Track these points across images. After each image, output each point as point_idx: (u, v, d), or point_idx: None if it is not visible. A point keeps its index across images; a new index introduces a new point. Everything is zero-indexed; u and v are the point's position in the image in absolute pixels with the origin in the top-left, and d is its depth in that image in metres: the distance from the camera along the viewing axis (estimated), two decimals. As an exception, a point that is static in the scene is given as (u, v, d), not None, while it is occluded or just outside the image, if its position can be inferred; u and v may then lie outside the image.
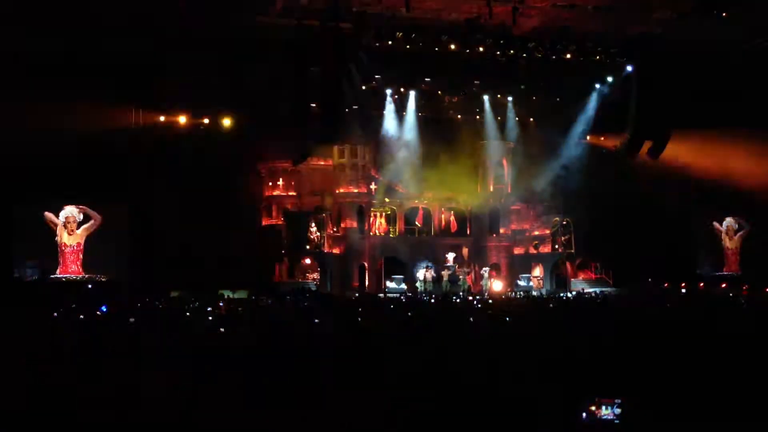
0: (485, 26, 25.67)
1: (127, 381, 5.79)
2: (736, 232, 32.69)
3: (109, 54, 21.81)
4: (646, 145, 30.87)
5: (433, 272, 30.74)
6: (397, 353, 6.62)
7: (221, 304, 18.39)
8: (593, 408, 3.09)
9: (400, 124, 31.83)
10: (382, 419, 3.40)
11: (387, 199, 32.67)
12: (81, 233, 27.83)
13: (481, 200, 33.43)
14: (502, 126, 32.95)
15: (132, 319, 11.13)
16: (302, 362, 6.09)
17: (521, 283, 31.35)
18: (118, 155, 25.41)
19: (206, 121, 28.54)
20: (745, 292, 22.40)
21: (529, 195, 33.18)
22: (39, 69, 21.81)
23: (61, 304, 15.77)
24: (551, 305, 15.76)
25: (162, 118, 27.19)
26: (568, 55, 28.11)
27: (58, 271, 27.71)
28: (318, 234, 30.62)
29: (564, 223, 33.01)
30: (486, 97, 32.31)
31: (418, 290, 29.23)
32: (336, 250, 31.21)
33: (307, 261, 31.03)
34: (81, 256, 27.93)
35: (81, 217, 27.69)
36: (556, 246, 32.89)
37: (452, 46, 27.20)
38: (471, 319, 12.38)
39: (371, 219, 32.46)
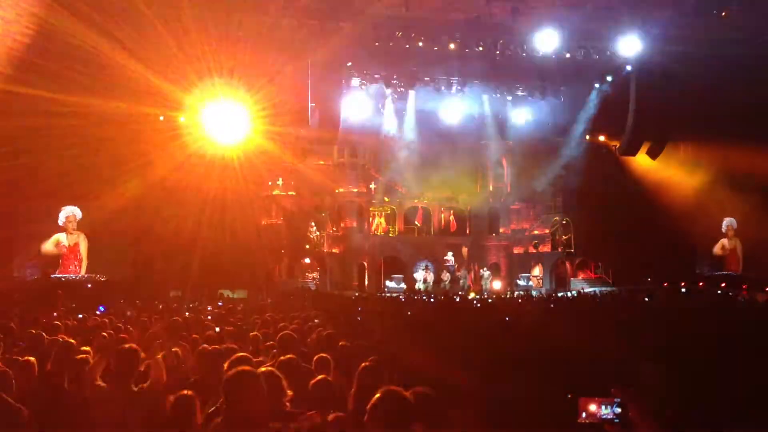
0: (485, 25, 25.65)
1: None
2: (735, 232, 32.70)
3: (110, 52, 21.78)
4: (646, 145, 30.90)
5: (432, 272, 30.78)
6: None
7: (220, 303, 18.42)
8: (592, 407, 3.09)
9: (399, 123, 31.85)
10: None
11: (387, 199, 32.70)
12: (79, 233, 27.87)
13: (481, 200, 33.47)
14: (501, 126, 32.97)
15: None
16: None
17: (521, 282, 31.38)
18: (118, 154, 25.40)
19: (206, 120, 28.53)
20: (745, 292, 22.40)
21: (530, 194, 33.21)
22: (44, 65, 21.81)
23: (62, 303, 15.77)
24: (551, 305, 15.78)
25: (161, 118, 27.17)
26: (568, 55, 28.10)
27: (58, 271, 27.72)
28: (318, 233, 30.63)
29: (563, 222, 33.04)
30: (485, 97, 32.33)
31: (420, 290, 29.26)
32: (336, 250, 31.23)
33: (307, 260, 31.05)
34: (79, 255, 27.96)
35: (80, 215, 27.70)
36: (556, 245, 32.92)
37: (452, 45, 27.19)
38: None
39: (371, 218, 32.49)
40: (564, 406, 3.26)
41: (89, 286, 26.59)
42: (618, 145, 32.13)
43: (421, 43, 27.04)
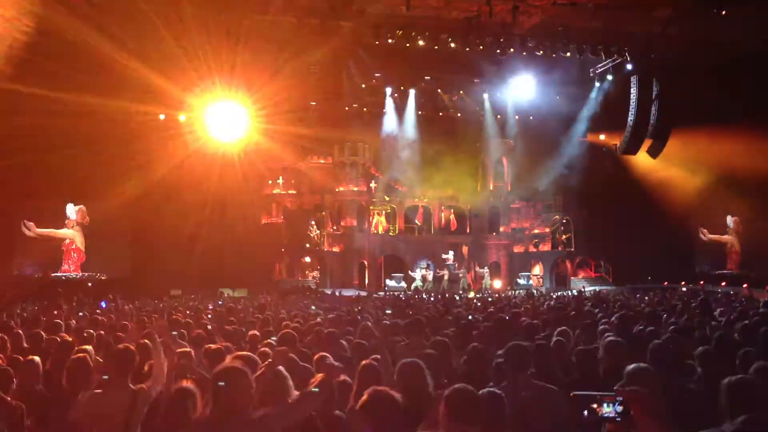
0: (485, 24, 25.61)
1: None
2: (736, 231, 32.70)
3: (110, 51, 21.76)
4: (646, 144, 30.87)
5: (432, 270, 30.79)
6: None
7: (221, 302, 18.41)
8: (595, 405, 3.08)
9: (400, 122, 31.84)
10: None
11: (387, 198, 32.70)
12: (75, 231, 27.97)
13: (481, 199, 33.47)
14: (501, 124, 32.97)
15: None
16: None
17: (521, 281, 31.38)
18: (119, 153, 25.42)
19: (206, 119, 28.53)
20: (745, 290, 22.38)
21: (530, 193, 33.21)
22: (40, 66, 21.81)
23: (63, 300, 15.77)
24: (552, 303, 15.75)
25: (162, 117, 27.17)
26: (568, 54, 28.07)
27: (59, 270, 27.82)
28: (318, 232, 30.63)
29: (564, 221, 33.04)
30: (486, 96, 32.32)
31: (420, 288, 29.25)
32: (336, 249, 31.23)
33: (307, 259, 31.06)
34: (73, 254, 28.04)
35: (75, 216, 27.85)
36: (556, 244, 32.93)
37: (452, 45, 27.15)
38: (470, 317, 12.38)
39: (371, 217, 32.49)
40: (567, 404, 3.25)
41: (90, 284, 26.62)
42: (618, 144, 32.11)
43: (421, 42, 27.02)
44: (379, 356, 4.87)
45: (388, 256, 32.01)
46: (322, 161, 32.30)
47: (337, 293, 24.40)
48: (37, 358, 5.89)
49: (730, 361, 5.03)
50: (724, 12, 23.71)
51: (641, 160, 31.78)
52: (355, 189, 31.70)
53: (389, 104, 31.69)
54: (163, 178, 25.94)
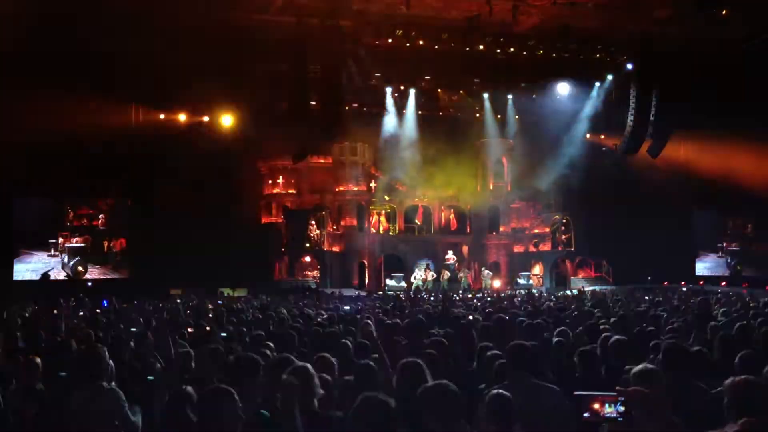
0: (485, 24, 25.61)
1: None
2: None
3: (110, 52, 21.77)
4: (646, 144, 30.86)
5: (433, 270, 30.77)
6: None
7: (220, 302, 18.39)
8: (596, 405, 3.07)
9: (400, 122, 31.83)
10: None
11: (387, 197, 32.68)
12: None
13: (481, 198, 33.45)
14: (502, 124, 32.97)
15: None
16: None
17: (521, 281, 31.37)
18: (118, 153, 25.41)
19: (206, 119, 28.55)
20: (745, 291, 22.39)
21: (530, 193, 33.19)
22: (43, 65, 21.82)
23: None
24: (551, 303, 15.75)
25: (162, 116, 27.18)
26: (568, 54, 28.08)
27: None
28: (318, 232, 30.63)
29: (564, 221, 33.03)
30: (486, 96, 32.32)
31: (420, 288, 29.23)
32: (336, 248, 31.22)
33: (307, 259, 31.06)
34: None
35: None
36: (556, 244, 32.92)
37: (452, 44, 27.16)
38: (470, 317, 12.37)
39: (371, 217, 32.47)
40: (568, 405, 3.25)
41: (89, 284, 26.63)
42: (618, 143, 32.10)
43: (421, 42, 27.02)
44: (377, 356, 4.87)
45: (388, 256, 31.99)
46: (322, 161, 32.28)
47: (336, 293, 24.41)
48: (37, 358, 5.89)
49: (731, 360, 5.02)
50: (724, 12, 23.71)
51: (641, 159, 31.77)
52: (355, 189, 31.68)
53: (389, 104, 31.66)
54: (164, 177, 25.96)
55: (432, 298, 22.38)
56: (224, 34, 23.60)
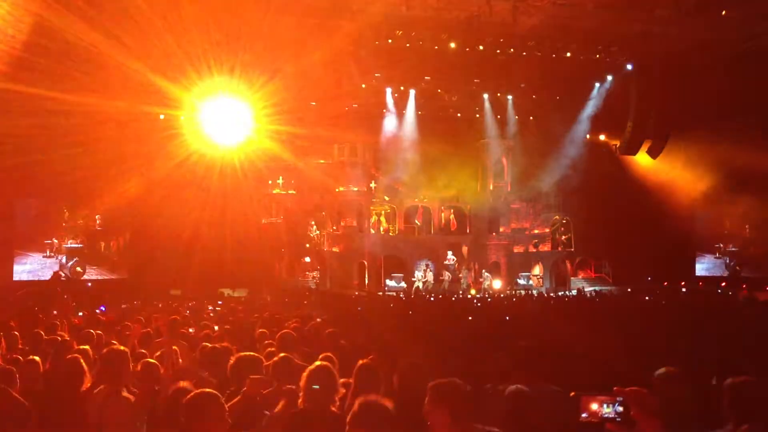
0: (485, 24, 25.60)
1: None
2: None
3: (109, 50, 21.75)
4: (646, 144, 30.88)
5: (432, 271, 30.77)
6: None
7: (220, 302, 18.41)
8: (595, 406, 3.06)
9: (399, 122, 31.83)
10: None
11: (387, 198, 32.68)
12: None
13: (481, 199, 33.45)
14: (502, 124, 32.97)
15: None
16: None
17: (521, 281, 31.37)
18: (119, 152, 25.41)
19: (206, 118, 28.52)
20: (745, 291, 22.39)
21: (530, 194, 33.19)
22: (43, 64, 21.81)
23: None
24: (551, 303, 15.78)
25: (162, 116, 27.17)
26: (568, 54, 28.08)
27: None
28: (318, 232, 30.62)
29: (564, 221, 33.03)
30: (486, 96, 32.33)
31: (419, 288, 29.24)
32: (336, 249, 31.21)
33: (307, 259, 31.05)
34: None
35: None
36: (556, 244, 32.92)
37: (452, 45, 27.16)
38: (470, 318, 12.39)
39: (371, 217, 32.46)
40: (565, 405, 3.24)
41: (89, 285, 26.65)
42: (618, 144, 32.12)
43: (421, 42, 27.02)
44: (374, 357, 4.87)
45: (388, 256, 31.97)
46: (322, 161, 32.29)
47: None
48: (37, 358, 5.89)
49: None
50: (724, 12, 23.72)
51: (641, 160, 31.81)
52: (355, 189, 31.67)
53: (389, 104, 31.67)
54: (163, 178, 25.95)
55: (432, 298, 22.41)
56: (225, 34, 23.61)
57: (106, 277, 28.17)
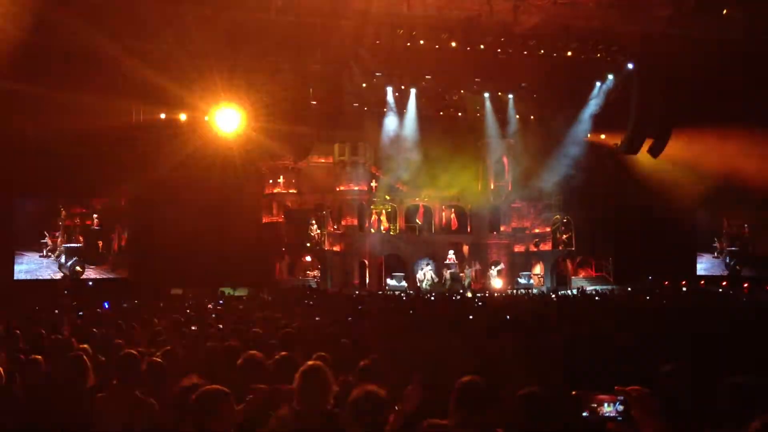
0: (486, 24, 25.61)
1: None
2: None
3: (109, 49, 21.76)
4: (647, 143, 30.86)
5: (433, 270, 30.78)
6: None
7: (221, 301, 18.43)
8: (595, 405, 3.08)
9: (400, 121, 31.83)
10: None
11: (387, 197, 32.68)
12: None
13: (482, 198, 33.43)
14: (502, 124, 32.95)
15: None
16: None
17: (521, 280, 31.37)
18: (118, 152, 25.40)
19: (206, 118, 28.53)
20: (746, 290, 22.41)
21: (531, 193, 33.17)
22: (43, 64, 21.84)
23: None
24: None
25: (162, 115, 27.18)
26: (569, 53, 28.07)
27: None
28: (319, 231, 30.63)
29: (564, 220, 33.02)
30: (486, 95, 32.32)
31: (421, 288, 29.26)
32: (336, 248, 31.21)
33: (308, 258, 31.06)
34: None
35: None
36: (557, 244, 32.91)
37: (453, 44, 27.16)
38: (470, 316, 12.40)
39: (372, 216, 32.46)
40: (567, 403, 3.25)
41: (90, 284, 26.66)
42: (619, 143, 32.10)
43: (422, 42, 27.02)
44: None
45: (389, 256, 31.98)
46: (323, 160, 32.29)
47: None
48: (39, 357, 5.91)
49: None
50: (725, 11, 23.71)
51: (642, 159, 31.78)
52: (356, 188, 31.67)
53: (390, 103, 31.67)
54: (164, 177, 25.94)
55: (433, 298, 22.40)
56: (225, 34, 23.61)
57: (106, 277, 28.16)
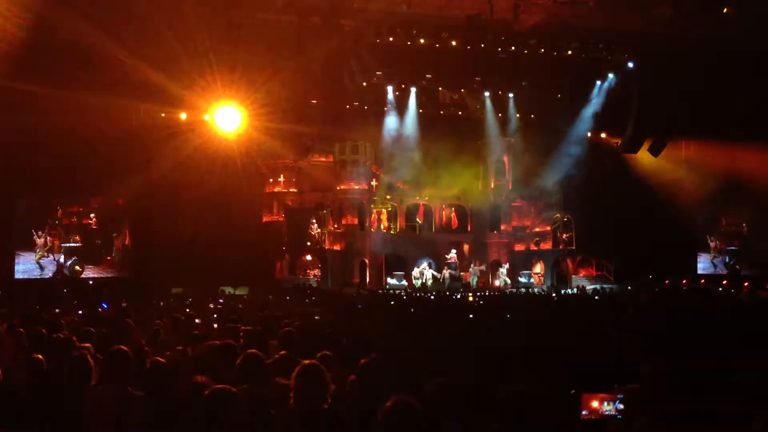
0: (486, 23, 25.61)
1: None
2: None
3: (108, 48, 21.76)
4: (647, 142, 30.85)
5: (434, 269, 30.77)
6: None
7: (221, 300, 18.42)
8: (594, 404, 3.08)
9: (401, 120, 31.82)
10: None
11: (388, 196, 32.67)
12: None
13: (482, 197, 33.40)
14: (503, 123, 32.94)
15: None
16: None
17: (522, 279, 31.36)
18: (118, 151, 25.40)
19: (207, 117, 28.54)
20: (746, 289, 22.37)
21: (531, 192, 33.15)
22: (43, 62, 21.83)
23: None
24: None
25: (163, 115, 27.19)
26: (570, 52, 28.06)
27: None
28: (319, 230, 30.62)
29: (565, 219, 33.01)
30: (487, 94, 32.31)
31: (416, 286, 29.27)
32: (337, 247, 31.20)
33: (308, 257, 31.05)
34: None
35: None
36: (557, 243, 32.90)
37: (453, 43, 27.16)
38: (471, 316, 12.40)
39: (372, 215, 32.45)
40: (567, 402, 3.26)
41: (90, 283, 26.67)
42: (620, 142, 32.09)
43: (422, 41, 27.01)
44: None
45: (389, 255, 31.96)
46: (324, 159, 32.28)
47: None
48: (41, 357, 5.91)
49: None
50: (725, 10, 23.71)
51: (643, 158, 31.78)
52: (357, 187, 31.65)
53: (390, 102, 31.66)
54: (165, 176, 25.94)
55: (432, 297, 22.39)
56: (226, 33, 23.60)
57: (107, 276, 28.16)
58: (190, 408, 4.17)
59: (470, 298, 22.91)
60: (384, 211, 33.08)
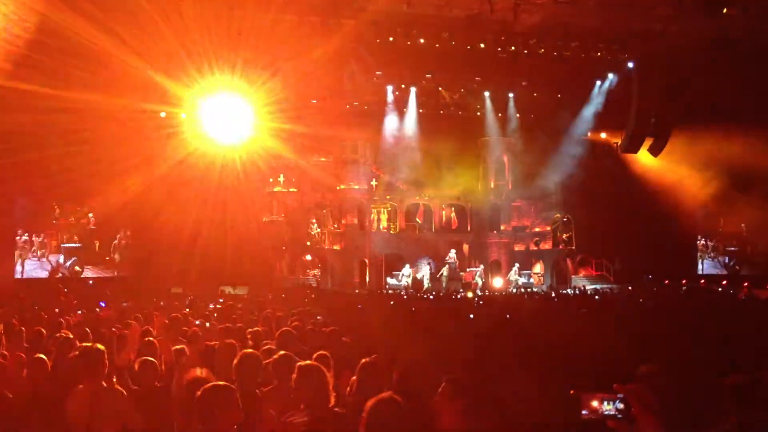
0: (486, 22, 25.60)
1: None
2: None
3: (109, 48, 21.74)
4: (647, 142, 30.87)
5: (434, 269, 30.78)
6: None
7: (221, 300, 18.42)
8: (595, 403, 3.08)
9: (401, 120, 31.84)
10: None
11: (388, 196, 32.70)
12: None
13: (482, 197, 33.44)
14: (503, 122, 32.97)
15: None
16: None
17: (521, 279, 31.37)
18: (117, 150, 25.39)
19: (206, 116, 28.52)
20: (746, 289, 22.39)
21: (531, 192, 33.17)
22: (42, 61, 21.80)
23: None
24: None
25: (163, 114, 27.19)
26: (570, 52, 28.06)
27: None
28: (319, 230, 30.64)
29: (565, 219, 33.03)
30: (487, 94, 32.33)
31: (408, 285, 29.27)
32: (337, 246, 31.22)
33: (308, 257, 31.06)
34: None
35: None
36: (557, 243, 32.92)
37: (453, 42, 27.16)
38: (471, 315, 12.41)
39: (372, 215, 32.47)
40: (565, 402, 3.26)
41: (90, 282, 26.66)
42: (619, 142, 32.10)
43: (422, 40, 27.01)
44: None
45: (389, 255, 31.98)
46: (324, 159, 32.29)
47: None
48: (43, 357, 5.92)
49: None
50: (725, 10, 23.71)
51: (642, 158, 31.79)
52: (356, 187, 31.68)
53: (390, 102, 31.68)
54: (164, 175, 25.95)
55: (432, 296, 22.41)
56: (226, 33, 23.59)
57: (107, 275, 28.16)
58: (188, 403, 4.17)
59: (470, 294, 22.94)
60: (384, 211, 33.10)
